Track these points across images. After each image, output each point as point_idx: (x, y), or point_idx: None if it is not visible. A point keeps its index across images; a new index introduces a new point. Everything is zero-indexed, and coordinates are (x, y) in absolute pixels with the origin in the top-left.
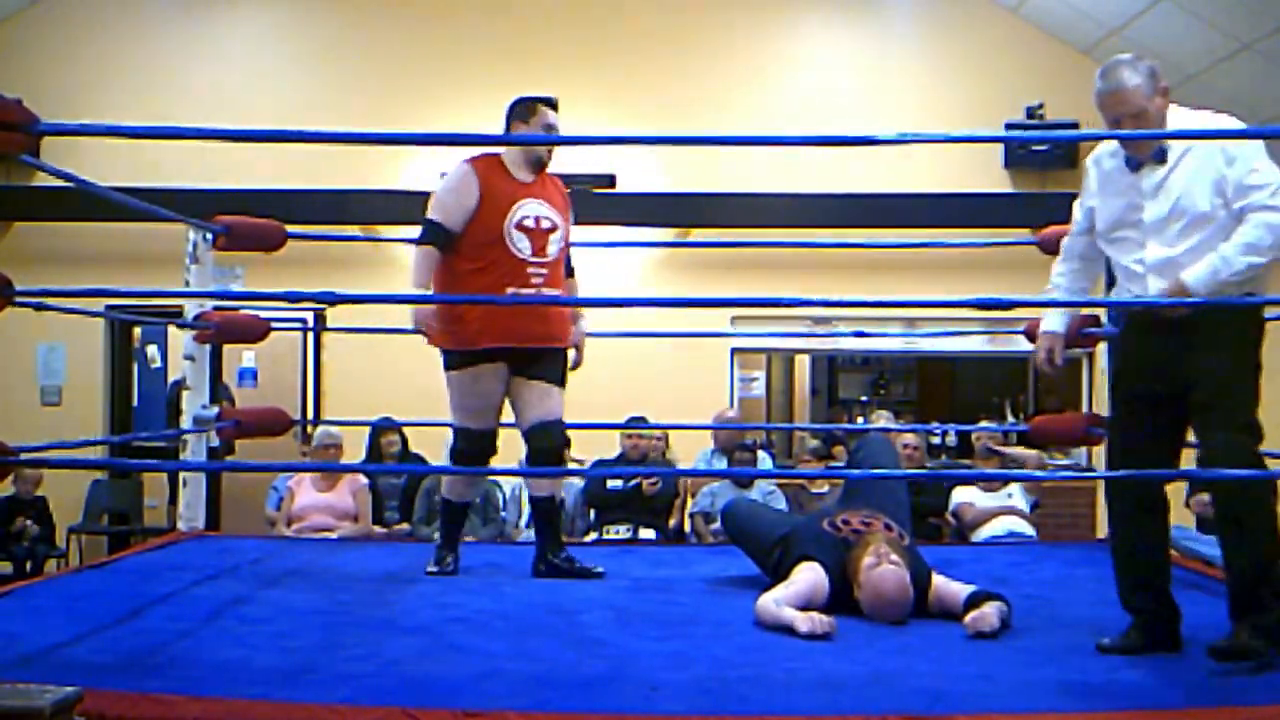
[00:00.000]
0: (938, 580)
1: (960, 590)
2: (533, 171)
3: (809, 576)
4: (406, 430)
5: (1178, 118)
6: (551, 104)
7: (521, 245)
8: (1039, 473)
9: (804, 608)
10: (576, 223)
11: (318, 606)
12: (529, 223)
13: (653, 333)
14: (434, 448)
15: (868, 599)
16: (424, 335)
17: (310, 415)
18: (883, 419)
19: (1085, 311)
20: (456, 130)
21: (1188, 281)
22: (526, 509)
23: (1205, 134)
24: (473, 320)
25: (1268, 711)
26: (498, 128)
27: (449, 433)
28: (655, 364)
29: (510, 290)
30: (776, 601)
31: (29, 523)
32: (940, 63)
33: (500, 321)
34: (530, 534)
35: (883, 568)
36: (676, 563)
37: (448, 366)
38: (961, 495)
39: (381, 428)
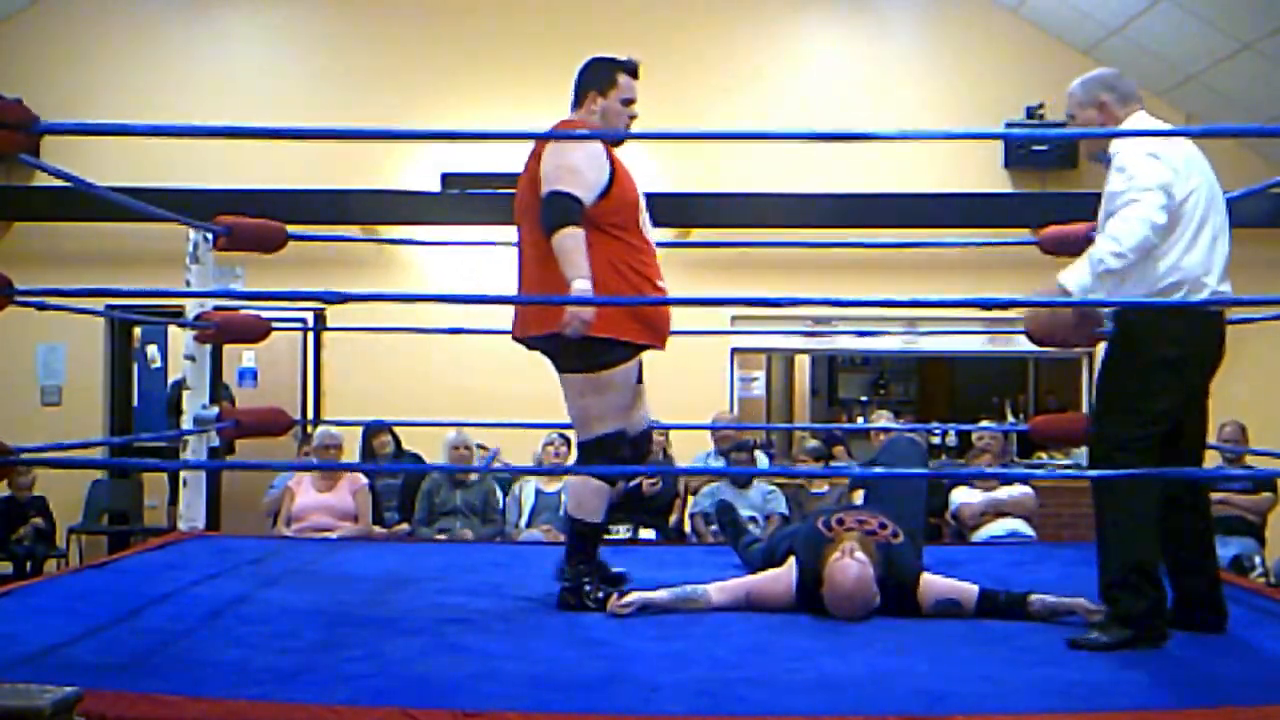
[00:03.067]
0: (927, 578)
1: (961, 585)
2: None
3: (777, 572)
4: (403, 429)
5: (1133, 126)
6: (631, 70)
7: (651, 237)
8: (1038, 471)
9: (761, 597)
10: None
11: (318, 606)
12: (648, 213)
13: None
14: (429, 447)
15: (827, 592)
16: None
17: (310, 415)
18: (883, 419)
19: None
20: (456, 129)
21: (1063, 281)
22: (527, 509)
23: (1191, 132)
24: (642, 312)
25: (1268, 711)
26: (496, 127)
27: (448, 432)
28: (655, 364)
29: (660, 284)
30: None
31: (35, 523)
32: (940, 63)
33: (657, 319)
34: (531, 534)
35: (844, 561)
36: (676, 563)
37: (601, 364)
38: (961, 496)
39: (374, 429)
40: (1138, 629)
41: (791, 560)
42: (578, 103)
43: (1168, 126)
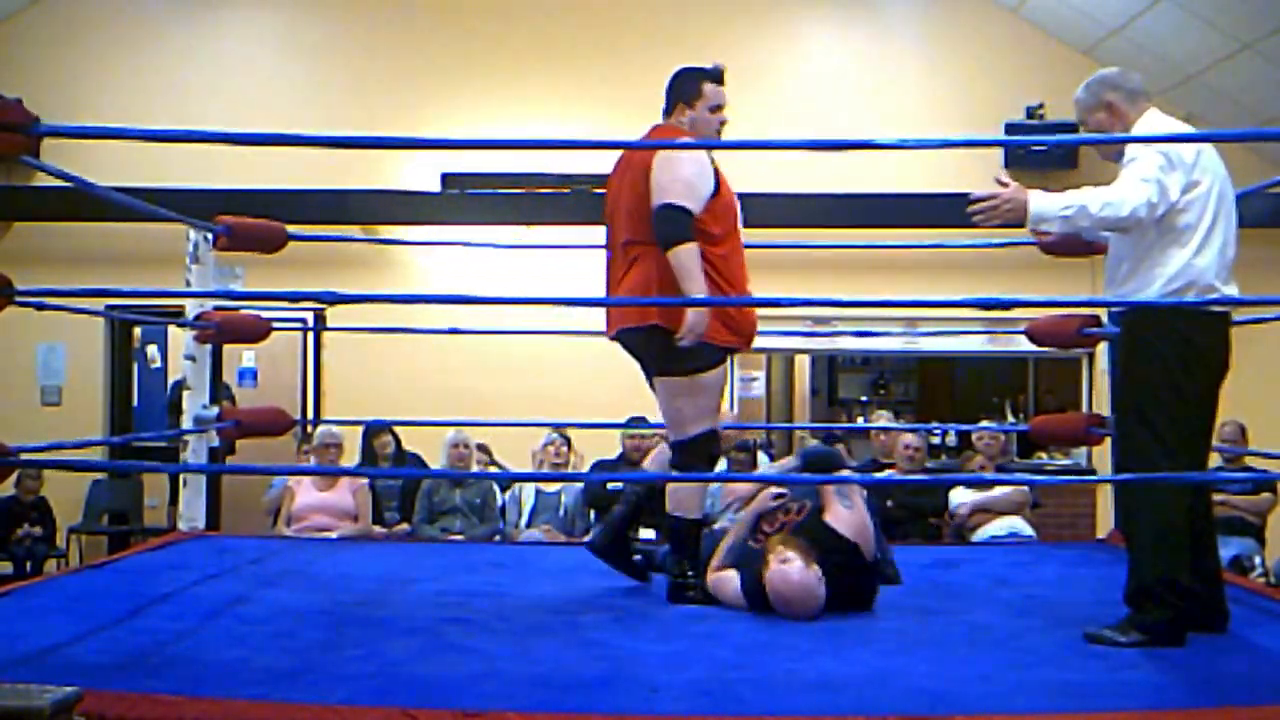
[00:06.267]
0: (831, 504)
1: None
2: None
3: (728, 574)
4: (403, 429)
5: (1146, 124)
6: (717, 77)
7: (742, 240)
8: (1038, 477)
9: (719, 590)
10: (579, 223)
11: (318, 606)
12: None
13: None
14: (430, 447)
15: (776, 603)
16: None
17: (310, 415)
18: (883, 419)
19: (1086, 311)
20: (455, 130)
21: (1032, 199)
22: (526, 509)
23: (1200, 136)
24: (727, 314)
25: (1268, 711)
26: (496, 128)
27: (448, 432)
28: None
29: (747, 287)
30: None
31: (30, 530)
32: (940, 63)
33: (742, 321)
34: (530, 534)
35: (778, 569)
36: None
37: (699, 368)
38: (959, 496)
39: (374, 429)
40: (1155, 637)
41: (734, 573)
42: (669, 113)
43: (1179, 124)
